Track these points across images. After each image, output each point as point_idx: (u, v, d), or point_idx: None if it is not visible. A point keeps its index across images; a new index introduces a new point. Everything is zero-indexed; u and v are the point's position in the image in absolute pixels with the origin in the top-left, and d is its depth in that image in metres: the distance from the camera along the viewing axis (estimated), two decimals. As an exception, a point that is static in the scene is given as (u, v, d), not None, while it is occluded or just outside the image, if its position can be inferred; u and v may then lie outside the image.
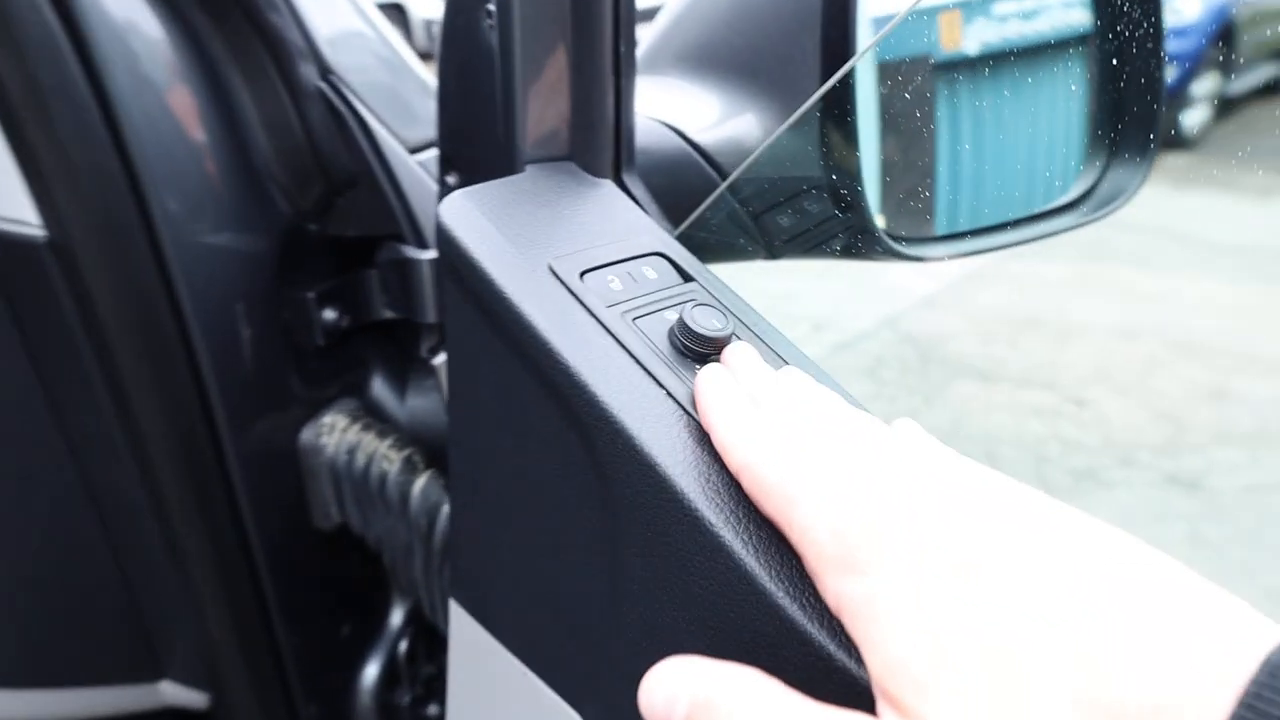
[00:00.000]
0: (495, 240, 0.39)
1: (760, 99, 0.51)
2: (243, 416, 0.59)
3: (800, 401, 0.32)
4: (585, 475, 0.36)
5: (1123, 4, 0.54)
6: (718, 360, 0.36)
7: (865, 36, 0.52)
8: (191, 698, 0.71)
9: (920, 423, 0.32)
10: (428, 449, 0.64)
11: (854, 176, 0.48)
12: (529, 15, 0.43)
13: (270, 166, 0.59)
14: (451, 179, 0.49)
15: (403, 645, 0.72)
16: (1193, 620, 0.21)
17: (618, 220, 0.43)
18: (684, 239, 0.44)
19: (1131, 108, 0.54)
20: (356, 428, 0.64)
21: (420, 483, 0.62)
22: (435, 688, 0.75)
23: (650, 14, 0.59)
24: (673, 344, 0.36)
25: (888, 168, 0.52)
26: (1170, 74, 0.53)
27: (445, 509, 0.61)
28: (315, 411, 0.65)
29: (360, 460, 0.63)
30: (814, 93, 0.45)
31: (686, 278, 0.41)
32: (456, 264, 0.40)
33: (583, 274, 0.38)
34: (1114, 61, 0.56)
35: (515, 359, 0.38)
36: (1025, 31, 0.60)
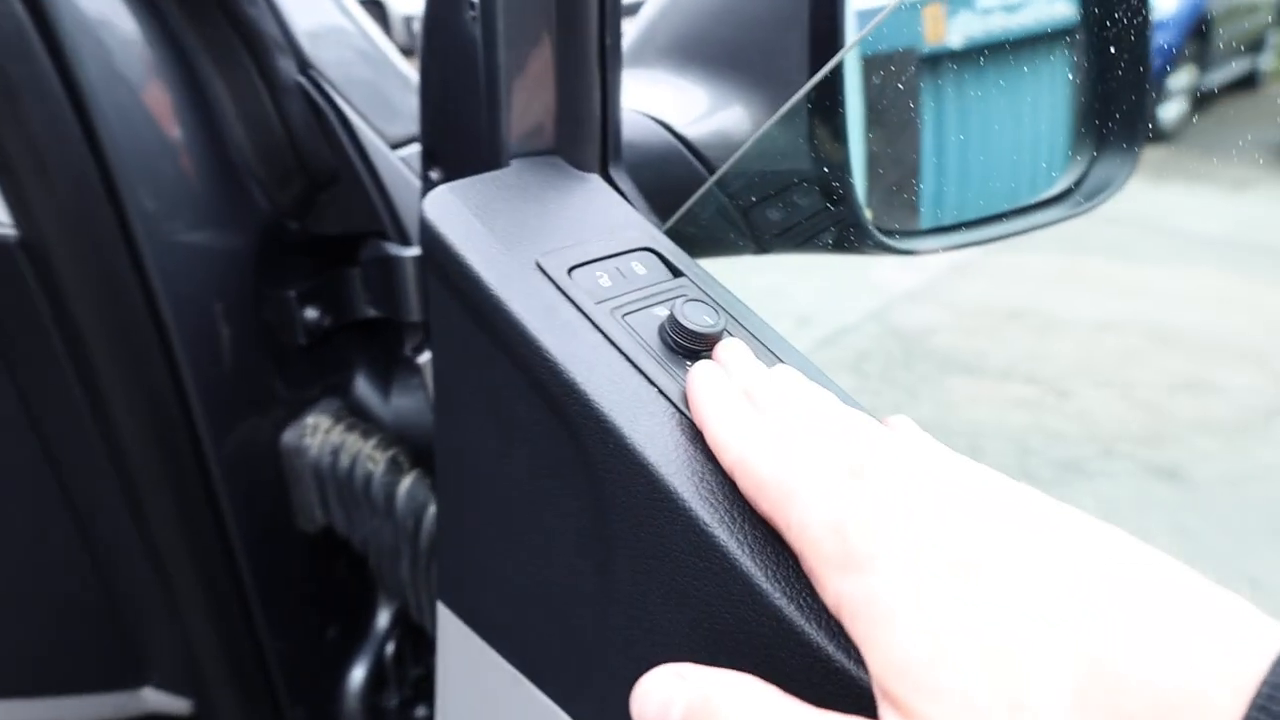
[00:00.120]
0: (481, 236, 0.38)
1: (748, 92, 0.51)
2: (223, 418, 0.58)
3: (795, 398, 0.31)
4: (575, 475, 0.35)
5: (1107, -5, 0.54)
6: (709, 357, 0.35)
7: (851, 29, 0.52)
8: (174, 704, 0.70)
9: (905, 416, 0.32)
10: (413, 449, 0.63)
11: (843, 170, 0.48)
12: (513, 7, 0.42)
13: (249, 163, 0.58)
14: (435, 174, 0.49)
15: (390, 647, 0.72)
16: (1196, 620, 0.21)
17: (605, 215, 0.42)
18: (672, 234, 0.44)
19: (1117, 99, 0.54)
20: (340, 428, 0.63)
21: (406, 483, 0.62)
22: (423, 689, 0.74)
23: (635, 7, 0.59)
24: (663, 340, 0.36)
25: (876, 161, 0.52)
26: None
27: (431, 509, 0.60)
28: (298, 412, 0.64)
29: (344, 461, 0.62)
30: (802, 85, 0.45)
31: (676, 273, 0.40)
32: (441, 261, 0.39)
33: (571, 270, 0.38)
34: (1099, 53, 0.56)
35: (502, 357, 0.37)
36: (1009, 25, 0.59)
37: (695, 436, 0.32)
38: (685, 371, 0.35)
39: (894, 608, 0.24)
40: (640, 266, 0.40)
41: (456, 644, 0.46)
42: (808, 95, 0.45)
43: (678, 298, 0.37)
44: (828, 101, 0.47)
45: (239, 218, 0.58)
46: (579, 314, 0.36)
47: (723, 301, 0.39)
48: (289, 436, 0.63)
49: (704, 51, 0.53)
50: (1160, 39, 0.55)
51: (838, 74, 0.47)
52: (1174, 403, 2.79)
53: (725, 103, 0.52)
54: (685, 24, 0.54)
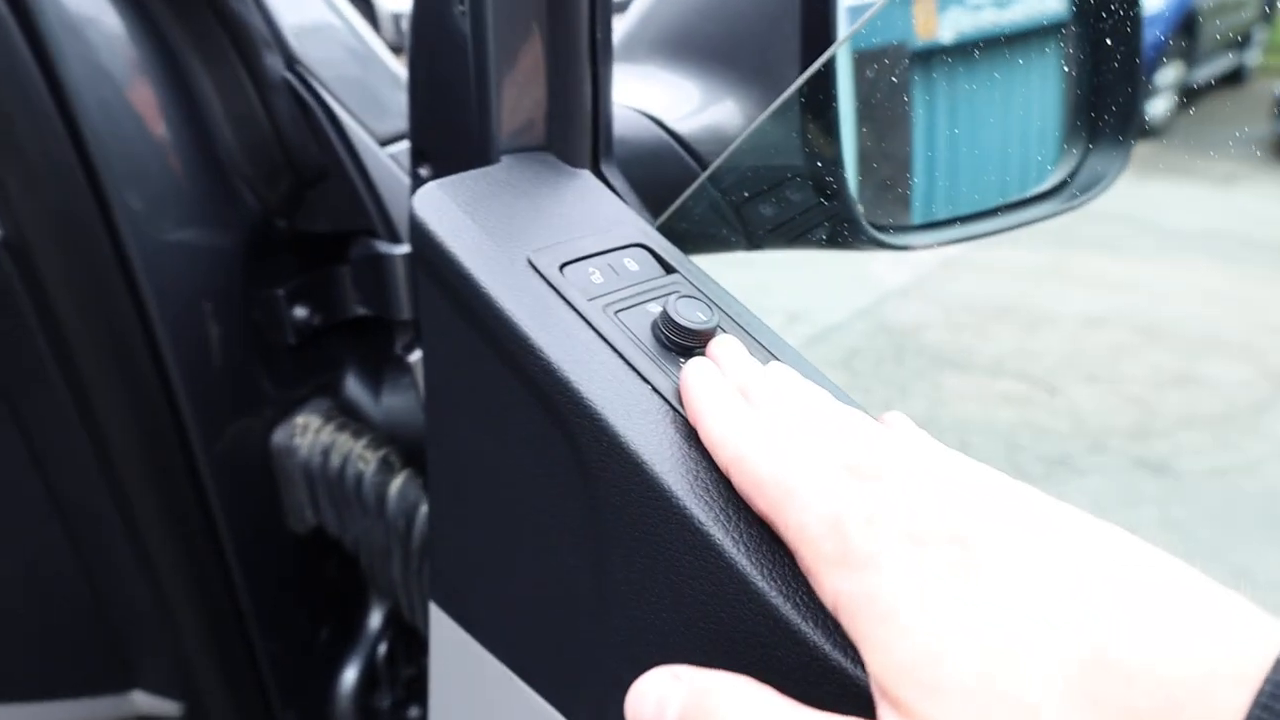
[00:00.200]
0: (471, 233, 0.38)
1: (740, 87, 0.51)
2: (212, 419, 0.58)
3: (790, 395, 0.31)
4: (568, 474, 0.35)
5: (1098, -10, 0.54)
6: (703, 353, 0.35)
7: (843, 24, 0.52)
8: (165, 707, 0.70)
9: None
10: (404, 448, 0.63)
11: (835, 165, 0.48)
12: (503, 2, 0.42)
13: (236, 160, 0.57)
14: (424, 171, 0.48)
15: (382, 648, 0.71)
16: (1199, 617, 0.21)
17: (597, 211, 0.42)
18: (664, 230, 0.43)
19: (1109, 93, 0.54)
20: (330, 428, 0.63)
21: (397, 483, 0.61)
22: (416, 690, 0.74)
23: (624, 4, 0.58)
24: (656, 337, 0.36)
25: (868, 156, 0.51)
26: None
27: (423, 509, 0.60)
28: (288, 412, 0.63)
29: (335, 461, 0.62)
30: (794, 80, 0.45)
31: (669, 269, 0.40)
32: (431, 258, 0.39)
33: (562, 266, 0.38)
34: (1091, 47, 0.56)
35: (494, 355, 0.37)
36: (1000, 20, 0.59)
37: (689, 434, 0.32)
38: (679, 369, 0.34)
39: (894, 606, 0.23)
40: (633, 263, 0.39)
41: (449, 644, 0.46)
42: (799, 90, 0.45)
43: (671, 294, 0.37)
44: (820, 96, 0.46)
45: (226, 216, 0.58)
46: (571, 311, 0.36)
47: (716, 298, 0.39)
48: (279, 436, 0.63)
49: (695, 46, 0.53)
50: (1146, 35, 0.55)
51: (830, 69, 0.47)
52: (1162, 397, 2.81)
53: (717, 98, 0.51)
54: (676, 19, 0.54)
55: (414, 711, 0.74)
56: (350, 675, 0.70)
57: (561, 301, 0.36)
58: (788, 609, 0.27)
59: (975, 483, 0.26)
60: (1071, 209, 0.56)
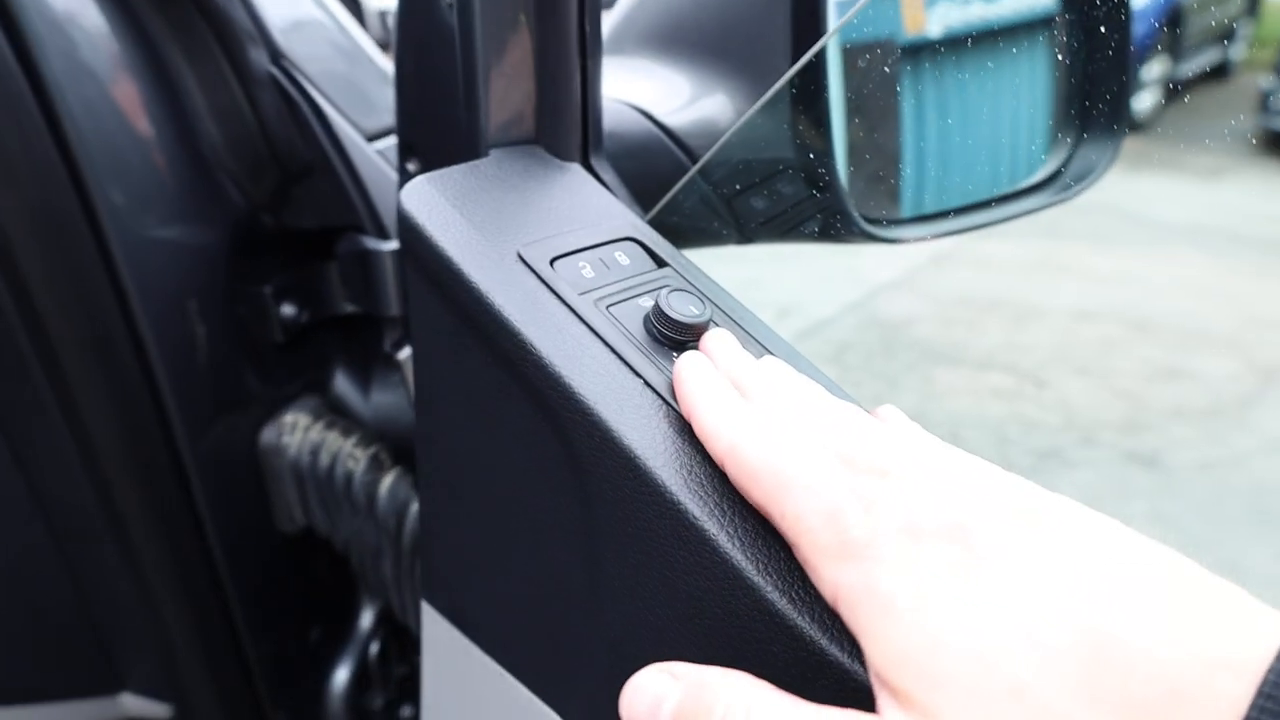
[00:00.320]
0: (461, 227, 0.38)
1: (730, 79, 0.50)
2: (199, 418, 0.57)
3: (784, 388, 0.31)
4: (561, 469, 0.34)
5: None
6: (696, 347, 0.35)
7: (832, 17, 0.52)
8: (154, 709, 0.69)
9: None
10: (394, 446, 0.62)
11: (826, 158, 0.47)
12: None
13: (220, 156, 0.57)
14: (412, 166, 0.48)
15: (374, 647, 0.71)
16: (1200, 608, 0.21)
17: (587, 205, 0.42)
18: (655, 224, 0.43)
19: (1099, 86, 0.54)
20: (319, 426, 0.62)
21: (387, 481, 0.61)
22: (408, 689, 0.73)
23: (613, -4, 0.58)
24: (649, 331, 0.35)
25: (859, 149, 0.51)
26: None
27: (414, 507, 0.60)
28: (275, 410, 0.63)
29: (324, 460, 0.61)
30: (785, 72, 0.44)
31: (660, 263, 0.40)
32: (420, 253, 0.38)
33: (553, 261, 0.37)
34: (1080, 41, 0.55)
35: (484, 351, 0.36)
36: (988, 14, 0.59)
37: (682, 428, 0.32)
38: (671, 363, 0.34)
39: (894, 596, 0.23)
40: (624, 257, 0.39)
41: (441, 643, 0.46)
42: (790, 83, 0.44)
43: (662, 288, 0.37)
44: (810, 89, 0.46)
45: (211, 212, 0.57)
46: (562, 305, 0.35)
47: (708, 291, 0.38)
48: (267, 435, 0.62)
49: (685, 39, 0.52)
50: (1139, 26, 0.55)
51: (820, 62, 0.47)
52: (1151, 390, 2.82)
53: (707, 91, 0.51)
54: (666, 11, 0.54)
55: (406, 711, 0.73)
56: (342, 675, 0.70)
57: (552, 296, 0.36)
58: (783, 603, 0.27)
59: (972, 475, 0.26)
60: (1059, 202, 0.56)
